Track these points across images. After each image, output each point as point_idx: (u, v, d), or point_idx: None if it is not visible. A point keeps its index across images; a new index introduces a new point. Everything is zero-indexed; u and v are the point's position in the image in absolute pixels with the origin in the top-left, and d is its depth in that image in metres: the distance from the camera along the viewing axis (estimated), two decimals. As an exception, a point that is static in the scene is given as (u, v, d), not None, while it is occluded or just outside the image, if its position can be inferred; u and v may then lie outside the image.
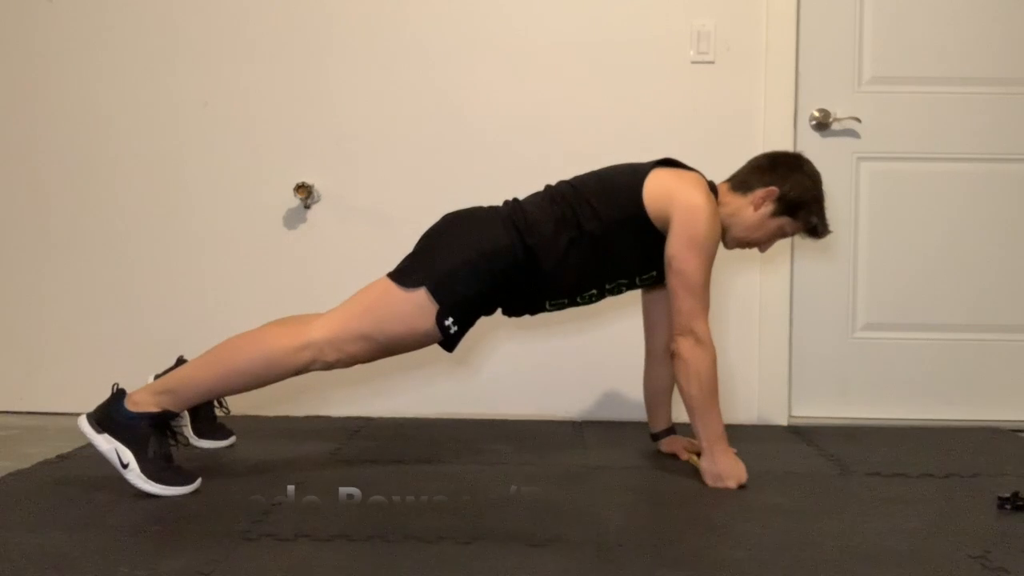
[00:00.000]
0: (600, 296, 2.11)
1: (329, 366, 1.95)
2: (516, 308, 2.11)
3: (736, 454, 2.05)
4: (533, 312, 2.12)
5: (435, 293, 1.93)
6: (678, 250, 1.98)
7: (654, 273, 2.08)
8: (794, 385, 2.83)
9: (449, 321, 1.94)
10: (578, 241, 2.00)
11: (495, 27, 2.78)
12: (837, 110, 2.80)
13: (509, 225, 2.00)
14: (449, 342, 2.00)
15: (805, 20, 2.78)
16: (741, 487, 1.98)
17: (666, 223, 2.00)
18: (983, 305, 2.84)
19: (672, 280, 2.00)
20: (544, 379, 2.79)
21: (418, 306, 1.93)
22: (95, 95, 2.82)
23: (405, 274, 1.98)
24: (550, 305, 2.09)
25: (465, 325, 2.00)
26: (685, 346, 1.99)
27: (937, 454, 2.36)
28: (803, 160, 2.13)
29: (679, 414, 2.22)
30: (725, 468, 2.00)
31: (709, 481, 2.01)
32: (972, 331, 2.84)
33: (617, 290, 2.11)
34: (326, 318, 1.95)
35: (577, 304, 2.11)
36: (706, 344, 1.99)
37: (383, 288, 1.97)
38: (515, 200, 2.09)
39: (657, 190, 2.01)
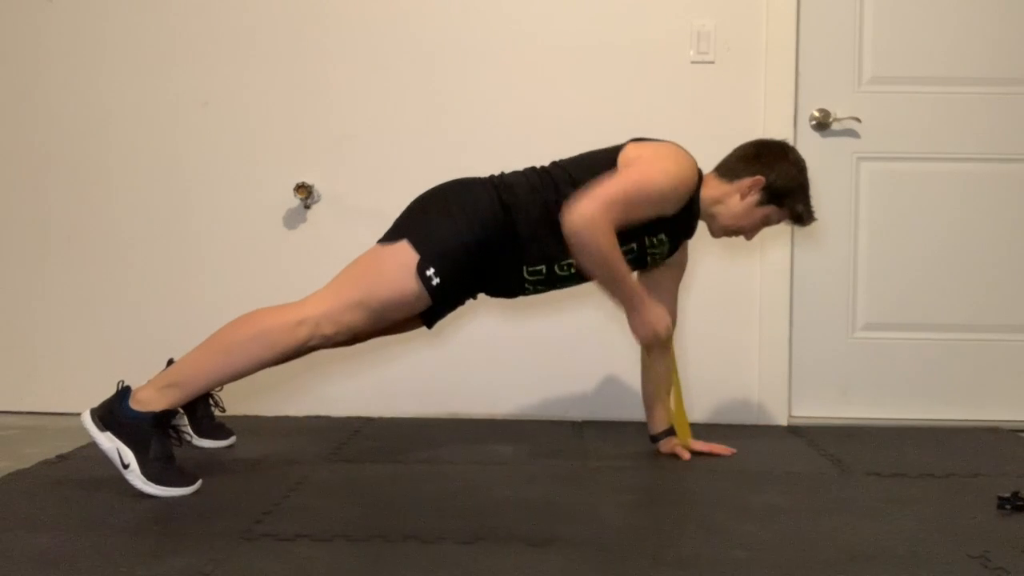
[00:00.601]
0: (580, 273, 2.06)
1: (328, 339, 1.96)
2: (497, 282, 2.10)
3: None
4: (514, 289, 2.11)
5: (416, 244, 1.97)
6: (634, 156, 2.01)
7: (633, 246, 2.06)
8: (794, 385, 2.83)
9: (431, 272, 1.95)
10: (554, 206, 2.00)
11: (495, 28, 2.78)
12: (837, 110, 2.80)
13: (489, 186, 2.05)
14: (434, 305, 2.00)
15: (805, 20, 2.78)
16: (669, 336, 2.07)
17: None
18: (983, 305, 2.84)
19: (608, 167, 2.00)
20: (544, 379, 2.80)
21: (403, 265, 1.96)
22: (95, 95, 2.82)
23: (389, 233, 2.04)
24: (529, 274, 2.06)
25: (446, 279, 1.97)
26: (578, 218, 1.90)
27: (937, 454, 2.36)
28: (788, 148, 2.14)
29: (679, 414, 2.22)
30: (653, 314, 2.02)
31: (639, 332, 2.03)
32: (972, 331, 2.84)
33: None
34: (319, 293, 1.98)
35: (556, 278, 2.07)
36: (598, 221, 1.90)
37: (371, 254, 2.02)
38: (501, 172, 2.12)
39: (633, 153, 2.04)
